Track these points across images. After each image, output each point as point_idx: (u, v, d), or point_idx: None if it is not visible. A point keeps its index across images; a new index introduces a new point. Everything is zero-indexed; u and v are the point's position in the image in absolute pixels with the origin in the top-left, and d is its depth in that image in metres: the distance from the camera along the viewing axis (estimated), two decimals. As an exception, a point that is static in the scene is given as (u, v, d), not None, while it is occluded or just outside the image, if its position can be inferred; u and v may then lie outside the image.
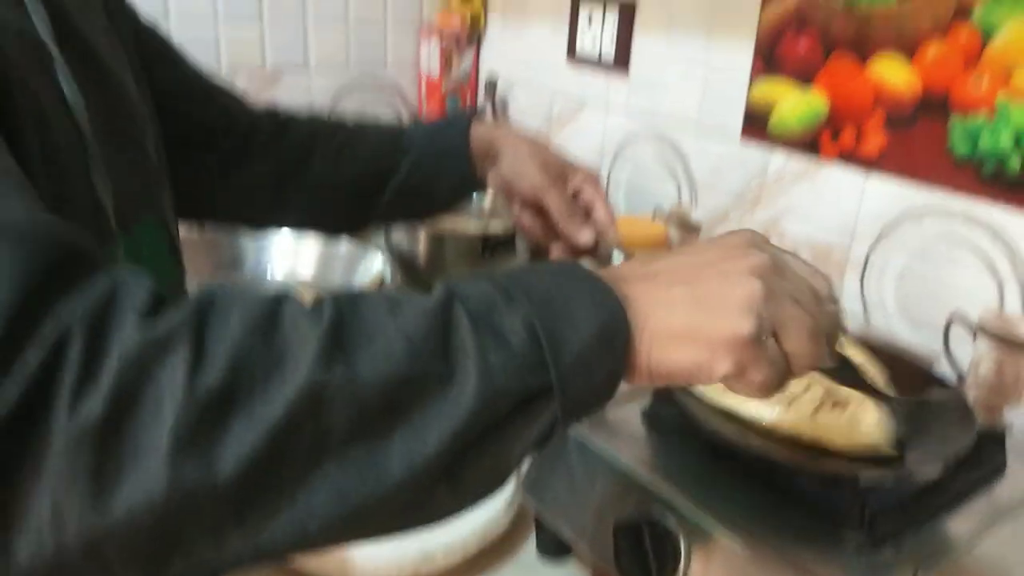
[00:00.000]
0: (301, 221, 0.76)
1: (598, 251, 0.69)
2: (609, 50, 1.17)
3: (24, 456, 0.27)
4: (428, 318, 0.33)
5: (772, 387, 0.38)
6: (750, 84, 0.98)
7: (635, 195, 1.18)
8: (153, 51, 0.64)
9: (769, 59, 0.96)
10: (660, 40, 1.10)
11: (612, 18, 1.15)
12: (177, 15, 1.22)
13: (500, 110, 1.43)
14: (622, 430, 0.65)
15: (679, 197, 1.11)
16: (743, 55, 0.98)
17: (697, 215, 1.08)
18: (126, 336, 0.29)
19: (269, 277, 1.09)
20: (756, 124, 0.99)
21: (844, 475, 0.58)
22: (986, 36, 0.77)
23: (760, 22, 0.96)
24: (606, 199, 0.69)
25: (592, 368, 0.35)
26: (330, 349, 0.31)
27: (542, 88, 1.34)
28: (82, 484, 0.28)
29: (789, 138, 0.95)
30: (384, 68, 1.46)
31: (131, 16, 0.63)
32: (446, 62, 1.44)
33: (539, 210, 0.69)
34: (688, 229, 1.09)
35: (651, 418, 0.66)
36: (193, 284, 0.51)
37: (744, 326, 0.36)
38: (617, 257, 0.69)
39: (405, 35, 1.46)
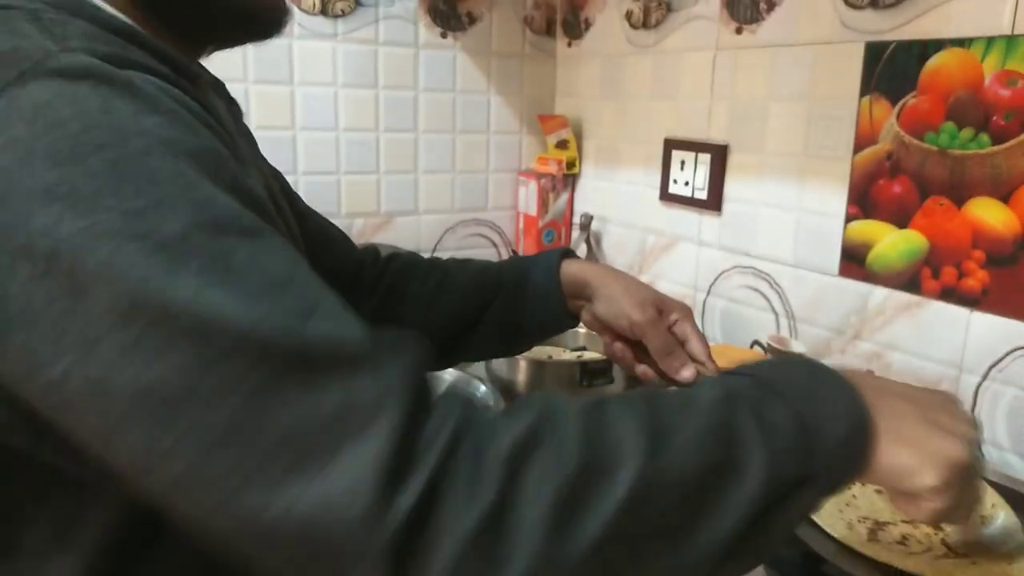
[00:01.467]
0: None
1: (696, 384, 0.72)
2: (701, 191, 1.24)
3: (426, 544, 0.33)
4: (716, 413, 0.41)
5: (944, 518, 0.45)
6: (845, 224, 1.03)
7: (731, 325, 1.22)
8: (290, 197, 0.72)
9: (863, 202, 1.01)
10: (752, 182, 1.16)
11: (704, 161, 1.23)
12: (305, 166, 1.36)
13: (594, 244, 1.51)
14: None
15: (777, 328, 1.14)
16: (837, 198, 1.03)
17: (797, 346, 1.11)
18: (501, 439, 0.36)
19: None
20: (854, 260, 1.03)
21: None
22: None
23: (852, 167, 1.01)
24: (701, 334, 0.72)
25: (845, 458, 0.42)
26: (651, 439, 0.38)
27: (634, 224, 1.41)
28: (478, 563, 0.33)
29: (888, 275, 0.99)
30: (485, 209, 1.57)
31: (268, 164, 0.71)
32: (543, 201, 1.54)
33: (634, 342, 0.72)
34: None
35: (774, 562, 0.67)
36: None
37: (963, 453, 0.44)
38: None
39: (505, 179, 1.58)
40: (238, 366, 0.33)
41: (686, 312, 0.74)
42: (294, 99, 1.33)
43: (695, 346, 0.71)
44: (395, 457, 0.33)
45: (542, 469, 0.35)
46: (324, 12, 1.32)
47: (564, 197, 1.56)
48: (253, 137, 0.67)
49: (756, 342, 1.17)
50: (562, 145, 1.55)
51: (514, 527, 0.34)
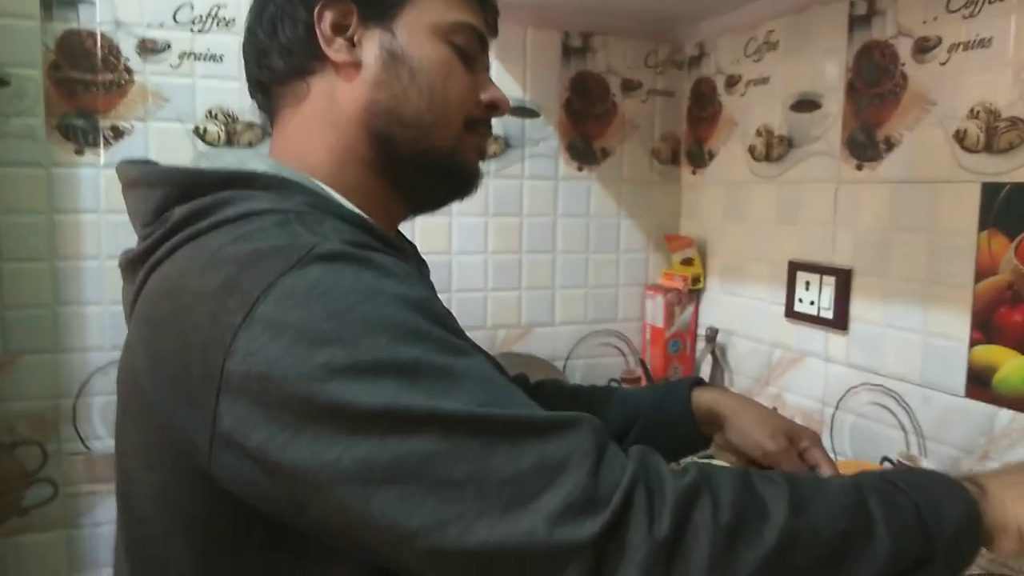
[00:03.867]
0: None
1: None
2: (827, 310, 1.32)
3: (613, 562, 0.45)
4: (849, 490, 0.51)
5: None
6: (970, 348, 1.09)
7: (860, 441, 1.27)
8: None
9: (987, 328, 1.07)
10: (877, 304, 1.24)
11: (829, 283, 1.32)
12: (458, 282, 1.54)
13: (719, 356, 1.60)
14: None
15: (906, 445, 1.19)
16: (961, 323, 1.10)
17: (926, 463, 1.15)
18: (671, 485, 0.47)
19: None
20: (979, 383, 1.08)
21: None
22: None
23: (974, 295, 1.08)
24: (831, 460, 0.78)
25: (961, 543, 0.51)
26: (794, 502, 0.48)
27: (760, 338, 1.50)
28: None
29: (1013, 397, 1.04)
30: (615, 320, 1.70)
31: None
32: (669, 314, 1.66)
33: (766, 467, 0.79)
34: (919, 477, 1.16)
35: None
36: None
37: None
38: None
39: (633, 293, 1.71)
40: (466, 440, 0.47)
41: (815, 439, 0.80)
42: (451, 229, 1.52)
43: (826, 471, 0.77)
44: (584, 495, 0.45)
45: (705, 513, 0.46)
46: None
47: (689, 310, 1.67)
48: (432, 285, 0.82)
49: (886, 458, 1.22)
50: (687, 262, 1.67)
51: (684, 555, 0.45)
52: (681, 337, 1.68)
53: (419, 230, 1.48)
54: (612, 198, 1.66)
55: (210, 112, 1.34)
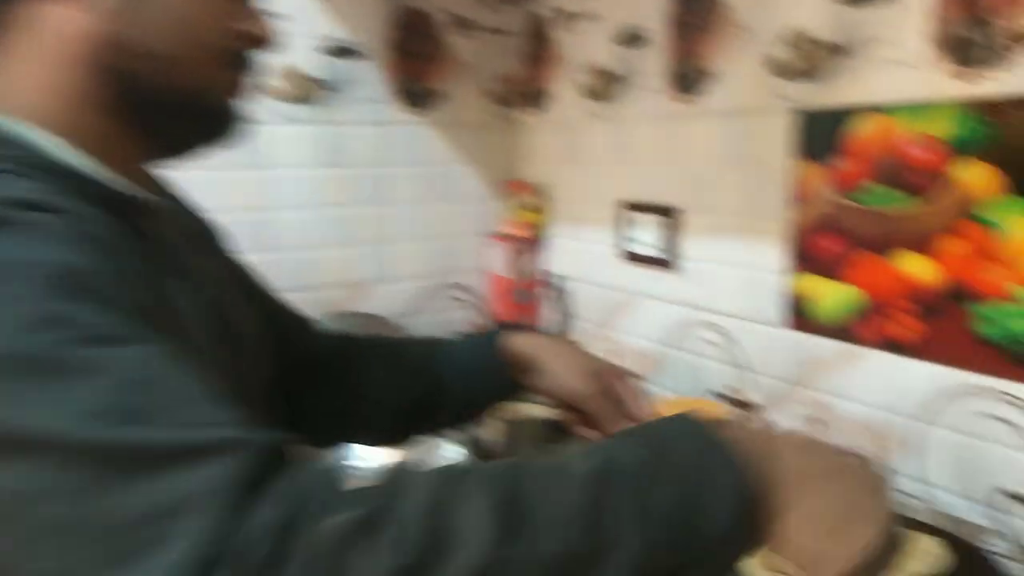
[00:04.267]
0: (352, 438, 0.81)
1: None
2: (659, 251, 1.30)
3: None
4: (589, 491, 0.40)
5: None
6: (787, 280, 1.09)
7: (691, 378, 1.27)
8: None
9: (803, 258, 1.07)
10: (703, 241, 1.23)
11: (660, 223, 1.29)
12: (281, 243, 1.42)
13: (563, 303, 1.57)
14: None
15: (732, 380, 1.19)
16: (778, 254, 1.10)
17: (751, 395, 1.15)
18: (334, 522, 0.36)
19: (352, 460, 1.16)
20: (798, 314, 1.08)
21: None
22: (995, 233, 0.86)
23: (790, 226, 1.08)
24: (644, 396, 0.76)
25: (729, 545, 0.42)
26: (505, 520, 0.38)
27: (600, 283, 1.47)
28: None
29: (830, 326, 1.04)
30: (458, 273, 1.63)
31: (228, 250, 0.74)
32: (513, 263, 1.61)
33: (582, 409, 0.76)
34: (744, 408, 1.17)
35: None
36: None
37: (879, 537, 0.44)
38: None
39: (476, 244, 1.64)
40: (64, 470, 0.37)
41: (628, 378, 0.78)
42: (267, 182, 1.40)
43: (639, 410, 0.75)
44: (214, 548, 0.35)
45: (377, 555, 0.36)
46: (297, 99, 1.40)
47: (533, 259, 1.63)
48: (215, 246, 0.72)
49: (714, 393, 1.22)
50: (530, 209, 1.62)
51: None
52: (527, 286, 1.63)
53: (228, 184, 1.35)
54: (449, 144, 1.58)
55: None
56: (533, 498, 0.40)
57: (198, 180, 1.42)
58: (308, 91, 1.42)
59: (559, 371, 0.77)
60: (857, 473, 0.48)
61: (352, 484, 0.39)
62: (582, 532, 0.39)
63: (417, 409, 0.81)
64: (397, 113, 1.51)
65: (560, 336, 0.82)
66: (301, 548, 0.36)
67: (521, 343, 0.80)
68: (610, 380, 0.78)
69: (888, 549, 0.45)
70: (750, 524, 0.42)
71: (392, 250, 1.55)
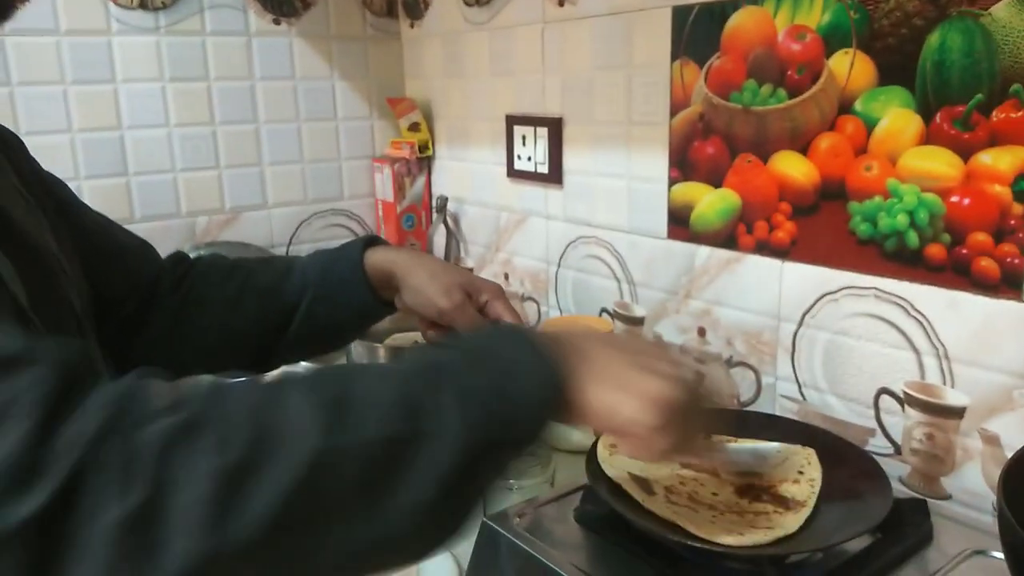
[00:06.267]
0: (211, 365, 0.76)
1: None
2: (543, 165, 1.25)
3: (64, 549, 0.32)
4: (411, 381, 0.41)
5: (673, 454, 0.48)
6: (669, 188, 1.05)
7: (582, 295, 1.23)
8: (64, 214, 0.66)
9: (683, 165, 1.03)
10: (587, 154, 1.18)
11: (543, 136, 1.23)
12: (137, 166, 1.29)
13: (452, 226, 1.50)
14: (554, 530, 0.67)
15: (620, 294, 1.16)
16: (660, 163, 1.05)
17: (639, 310, 1.13)
18: (152, 430, 0.35)
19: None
20: (679, 223, 1.05)
21: (773, 555, 0.60)
22: (869, 126, 0.84)
23: (670, 131, 1.03)
24: (512, 310, 0.73)
25: (536, 419, 0.44)
26: (330, 413, 0.38)
27: (488, 203, 1.41)
28: (132, 555, 0.32)
29: (709, 233, 1.01)
30: (341, 198, 1.54)
31: (40, 178, 0.65)
32: (399, 187, 1.52)
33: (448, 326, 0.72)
34: (632, 323, 1.14)
35: (582, 516, 0.68)
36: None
37: (673, 391, 0.46)
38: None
39: (360, 166, 1.55)
40: None
41: (496, 292, 0.74)
42: (118, 97, 1.26)
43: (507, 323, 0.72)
44: (20, 463, 0.32)
45: (201, 454, 0.34)
46: (143, 6, 1.26)
47: (420, 181, 1.55)
48: (16, 161, 0.62)
49: (604, 310, 1.19)
50: (414, 128, 1.53)
51: (170, 516, 0.33)
52: (415, 211, 1.56)
53: (72, 99, 1.21)
54: (321, 57, 1.46)
55: None
56: (354, 393, 0.40)
57: (38, 95, 1.28)
58: (154, -4, 1.27)
59: (422, 284, 0.72)
60: (658, 348, 0.52)
61: (172, 394, 0.37)
62: (404, 417, 0.39)
63: (271, 332, 0.75)
64: (259, 22, 1.38)
65: (420, 250, 0.77)
66: (117, 454, 0.34)
67: (380, 258, 0.75)
68: (481, 295, 0.73)
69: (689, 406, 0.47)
70: (556, 398, 0.44)
71: (264, 173, 1.44)
